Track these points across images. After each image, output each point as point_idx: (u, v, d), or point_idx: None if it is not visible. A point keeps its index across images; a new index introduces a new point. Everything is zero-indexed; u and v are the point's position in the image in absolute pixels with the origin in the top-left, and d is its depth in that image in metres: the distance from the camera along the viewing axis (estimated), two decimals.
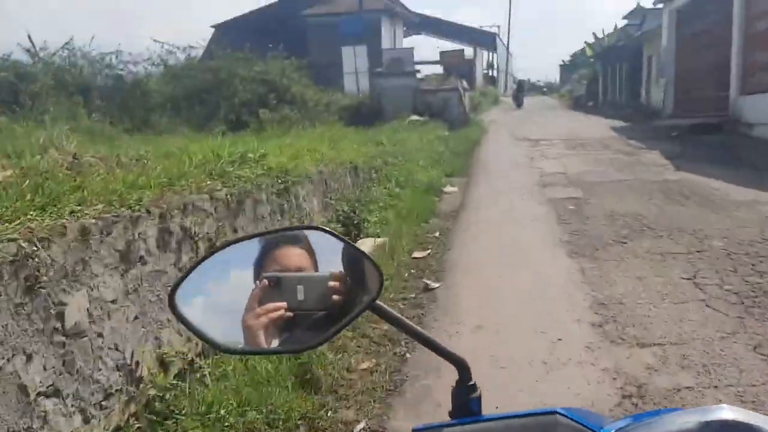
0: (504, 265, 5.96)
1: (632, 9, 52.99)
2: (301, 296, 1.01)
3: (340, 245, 1.05)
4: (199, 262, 1.04)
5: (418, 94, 21.53)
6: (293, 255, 1.07)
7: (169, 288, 1.02)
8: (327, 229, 1.06)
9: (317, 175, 6.88)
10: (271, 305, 1.00)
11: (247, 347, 1.05)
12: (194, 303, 1.01)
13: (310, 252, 1.07)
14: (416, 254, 6.31)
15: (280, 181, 5.48)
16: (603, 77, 38.21)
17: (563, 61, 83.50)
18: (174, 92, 16.78)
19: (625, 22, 51.95)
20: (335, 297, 1.02)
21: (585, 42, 41.84)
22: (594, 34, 40.41)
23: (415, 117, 19.73)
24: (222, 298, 1.06)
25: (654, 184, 9.82)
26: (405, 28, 54.60)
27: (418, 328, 1.08)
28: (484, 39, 57.30)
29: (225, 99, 16.16)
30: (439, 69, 53.40)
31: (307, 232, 1.13)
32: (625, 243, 6.31)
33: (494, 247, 6.66)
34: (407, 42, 61.49)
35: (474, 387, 1.03)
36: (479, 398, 1.03)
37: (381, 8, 47.78)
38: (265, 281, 1.01)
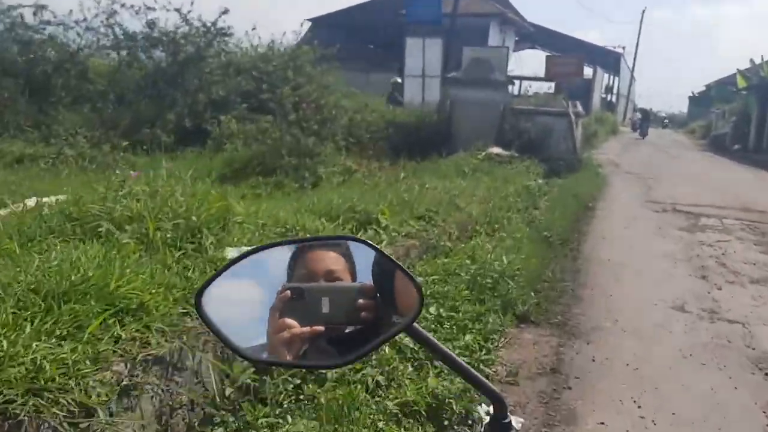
0: None
1: None
2: (325, 309, 0.94)
3: (380, 259, 0.98)
4: (229, 266, 0.98)
5: (508, 115, 14.45)
6: (326, 258, 1.00)
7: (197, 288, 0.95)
8: (367, 241, 1.00)
9: None
10: (291, 322, 0.92)
11: (270, 358, 0.95)
12: (220, 306, 0.95)
13: (348, 259, 1.00)
14: None
15: None
16: (759, 116, 29.19)
17: (693, 92, 72.84)
18: (124, 78, 10.65)
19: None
20: (364, 313, 0.94)
21: (738, 70, 32.72)
22: (751, 60, 31.42)
23: (496, 150, 12.70)
24: (249, 303, 0.98)
25: None
26: (517, 39, 47.17)
27: (456, 356, 1.01)
28: (607, 59, 48.80)
29: (187, 93, 9.82)
30: (547, 89, 45.79)
31: (348, 242, 1.04)
32: None
33: None
34: (517, 57, 53.87)
35: (509, 425, 1.00)
36: None
37: (491, 12, 40.94)
38: (287, 292, 0.93)
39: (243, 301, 0.98)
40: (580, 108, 14.94)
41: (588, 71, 47.12)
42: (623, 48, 54.74)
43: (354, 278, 0.97)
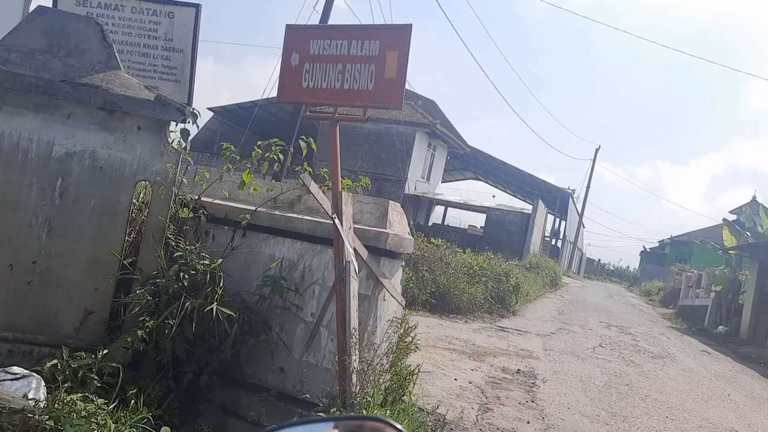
0: None
1: (749, 201, 36.02)
2: None
3: None
4: None
5: None
6: None
7: None
8: (392, 422, 0.94)
9: None
10: None
11: None
12: None
13: None
14: None
15: None
16: (759, 290, 19.46)
17: (645, 247, 65.08)
18: None
19: (734, 217, 34.90)
20: None
21: (724, 221, 23.61)
22: (746, 207, 22.47)
23: None
24: None
25: None
26: (449, 157, 38.37)
27: None
28: (553, 199, 40.02)
29: None
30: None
31: (371, 423, 1.02)
32: None
33: None
34: (449, 186, 44.72)
35: None
36: None
37: (418, 121, 32.21)
38: None
39: None
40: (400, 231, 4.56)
41: (527, 206, 38.27)
42: (573, 190, 46.35)
43: None
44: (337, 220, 3.69)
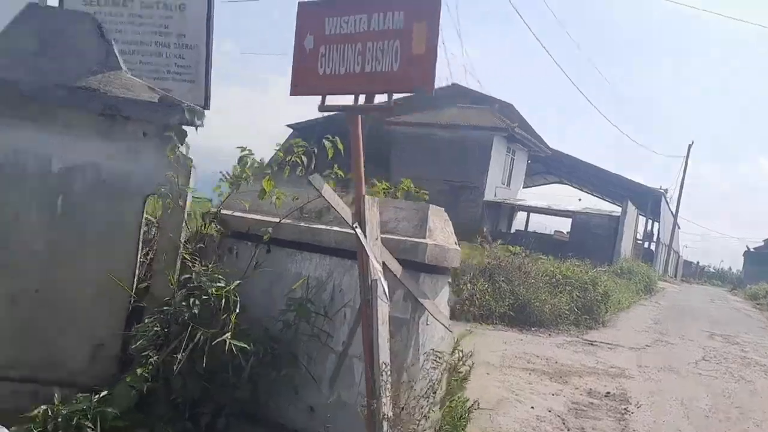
0: None
1: None
2: None
3: None
4: None
5: None
6: None
7: None
8: None
9: None
10: None
11: None
12: None
13: None
14: None
15: None
16: None
17: (749, 247, 60.29)
18: None
19: None
20: None
21: None
22: None
23: None
24: None
25: None
26: (529, 161, 36.94)
27: None
28: (644, 199, 37.46)
29: None
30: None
31: None
32: None
33: None
34: (532, 191, 42.99)
35: None
36: None
37: (495, 126, 31.18)
38: None
39: None
40: None
41: (616, 208, 36.03)
42: (665, 190, 43.27)
43: None
44: (359, 230, 3.02)
